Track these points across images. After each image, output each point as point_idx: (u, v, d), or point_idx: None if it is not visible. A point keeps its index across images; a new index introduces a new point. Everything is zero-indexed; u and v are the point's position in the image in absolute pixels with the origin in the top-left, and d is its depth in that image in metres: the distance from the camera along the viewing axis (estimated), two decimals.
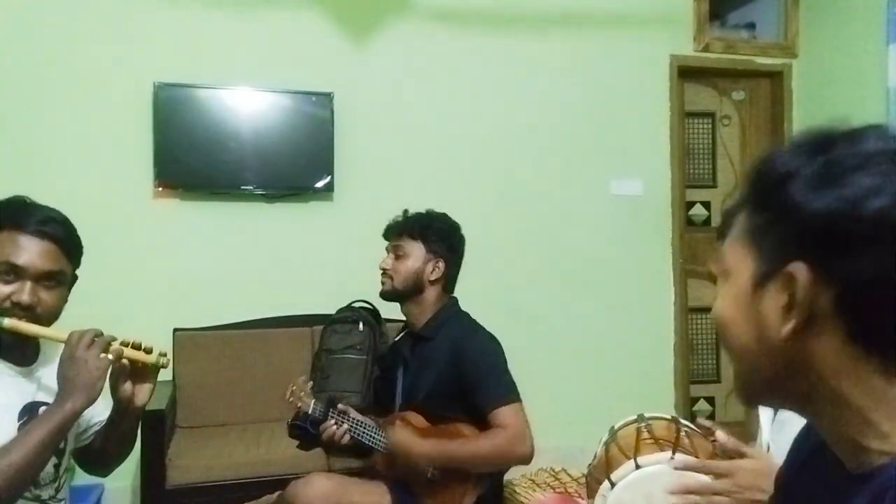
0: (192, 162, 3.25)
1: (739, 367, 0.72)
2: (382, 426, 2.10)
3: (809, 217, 0.62)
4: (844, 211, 0.60)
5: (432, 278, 2.15)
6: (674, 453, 1.20)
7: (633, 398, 3.48)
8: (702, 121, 4.16)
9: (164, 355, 1.37)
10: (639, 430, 1.28)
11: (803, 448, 0.83)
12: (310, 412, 2.07)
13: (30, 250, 1.30)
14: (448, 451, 1.95)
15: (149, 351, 1.36)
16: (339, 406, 2.09)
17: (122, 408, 1.38)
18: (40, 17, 3.14)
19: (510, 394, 1.96)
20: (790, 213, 0.63)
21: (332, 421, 2.03)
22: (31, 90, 3.12)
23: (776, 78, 4.10)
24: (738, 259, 0.69)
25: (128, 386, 1.35)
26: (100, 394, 1.28)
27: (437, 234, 2.18)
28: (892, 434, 0.63)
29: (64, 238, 1.35)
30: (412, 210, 2.30)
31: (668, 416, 1.34)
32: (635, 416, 1.36)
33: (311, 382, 2.16)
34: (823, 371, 0.64)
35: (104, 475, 1.61)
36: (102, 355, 1.28)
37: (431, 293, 2.16)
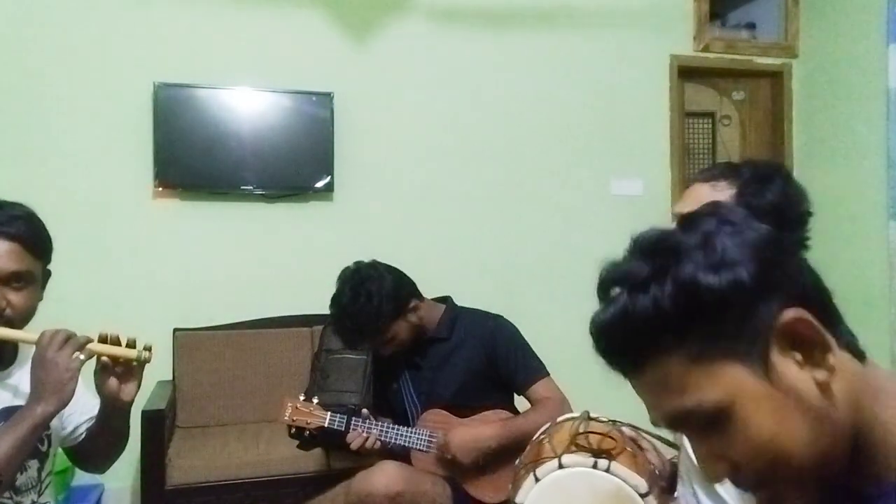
0: (192, 162, 3.25)
1: (811, 474, 0.61)
2: (419, 426, 2.12)
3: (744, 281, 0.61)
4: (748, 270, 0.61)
5: (420, 317, 2.16)
6: (597, 459, 1.19)
7: (632, 398, 3.47)
8: (702, 121, 4.15)
9: (148, 349, 1.32)
10: (576, 430, 1.28)
11: None
12: (326, 425, 2.06)
13: None
14: (513, 431, 2.00)
15: (131, 345, 1.31)
16: (363, 413, 2.09)
17: (109, 405, 1.35)
18: (40, 16, 3.13)
19: (542, 369, 2.14)
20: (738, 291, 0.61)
21: (360, 430, 2.04)
22: (31, 90, 3.12)
23: (776, 78, 4.10)
24: (720, 381, 0.61)
25: (112, 382, 1.31)
26: (72, 395, 1.25)
27: (398, 301, 2.11)
28: None
29: (28, 236, 1.30)
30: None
31: (609, 420, 1.34)
32: (580, 413, 1.36)
33: (316, 398, 2.16)
34: (860, 395, 0.62)
35: (100, 472, 1.58)
36: (75, 355, 1.24)
37: (427, 309, 2.19)
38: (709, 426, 0.61)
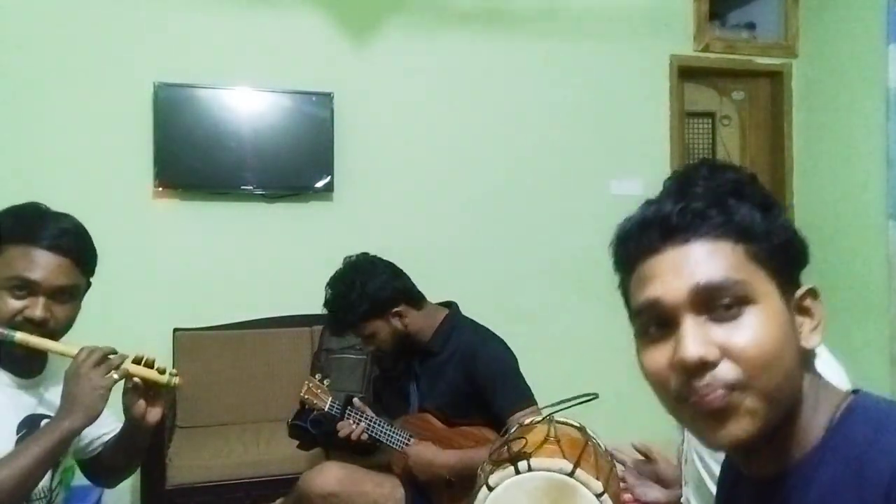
0: (192, 162, 3.25)
1: (778, 399, 0.68)
2: (402, 425, 2.12)
3: (791, 241, 0.73)
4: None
5: (406, 325, 2.10)
6: (516, 464, 1.19)
7: (632, 398, 3.47)
8: (702, 121, 4.16)
9: (176, 375, 1.34)
10: (494, 449, 1.27)
11: (729, 471, 0.86)
12: (326, 409, 2.10)
13: (44, 266, 1.27)
14: (470, 460, 1.94)
15: (162, 371, 1.33)
16: (356, 403, 2.11)
17: (135, 425, 1.36)
18: (40, 17, 3.13)
19: (526, 397, 2.00)
20: (784, 241, 0.72)
21: (350, 419, 2.06)
22: (31, 90, 3.12)
23: (776, 78, 4.10)
24: (760, 283, 0.70)
25: (140, 404, 1.33)
26: (100, 413, 1.25)
27: (376, 301, 2.06)
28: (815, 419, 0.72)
29: (79, 251, 1.32)
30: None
31: (545, 418, 1.35)
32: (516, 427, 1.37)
33: (328, 380, 2.18)
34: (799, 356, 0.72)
35: (109, 486, 1.59)
36: (108, 374, 1.25)
37: (417, 318, 2.13)
38: (727, 309, 0.68)
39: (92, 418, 1.24)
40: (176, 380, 1.34)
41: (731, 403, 0.66)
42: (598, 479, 1.17)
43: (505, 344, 2.12)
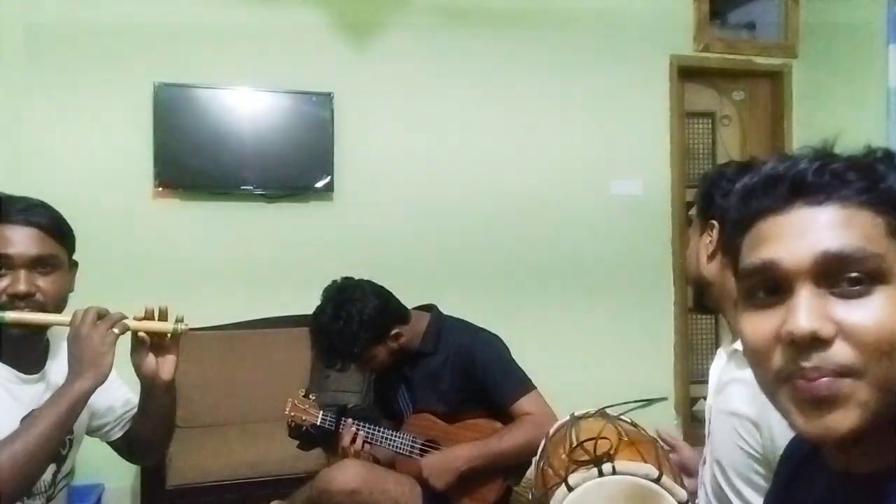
0: (192, 162, 3.25)
1: (893, 392, 0.60)
2: (405, 429, 2.12)
3: None
4: None
5: (400, 343, 2.10)
6: (600, 466, 1.14)
7: (632, 398, 3.48)
8: (702, 121, 4.16)
9: (181, 321, 1.32)
10: (570, 445, 1.21)
11: (792, 461, 0.81)
12: (318, 423, 2.09)
13: (16, 239, 1.26)
14: (488, 452, 1.96)
15: (164, 318, 1.32)
16: (350, 419, 2.10)
17: (149, 384, 1.34)
18: (40, 16, 3.13)
19: (525, 383, 2.05)
20: None
21: (351, 426, 2.05)
22: (31, 90, 3.12)
23: (776, 78, 4.10)
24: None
25: (150, 360, 1.31)
26: (109, 370, 1.24)
27: (378, 328, 2.03)
28: None
29: (50, 222, 1.31)
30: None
31: (597, 411, 1.30)
32: (566, 419, 1.33)
33: (314, 396, 2.17)
34: None
35: (150, 461, 1.56)
36: (109, 330, 1.24)
37: (408, 332, 2.12)
38: (853, 284, 0.60)
39: (101, 377, 1.23)
40: (182, 325, 1.31)
41: (839, 391, 0.59)
42: (680, 485, 1.13)
43: (494, 335, 2.14)
